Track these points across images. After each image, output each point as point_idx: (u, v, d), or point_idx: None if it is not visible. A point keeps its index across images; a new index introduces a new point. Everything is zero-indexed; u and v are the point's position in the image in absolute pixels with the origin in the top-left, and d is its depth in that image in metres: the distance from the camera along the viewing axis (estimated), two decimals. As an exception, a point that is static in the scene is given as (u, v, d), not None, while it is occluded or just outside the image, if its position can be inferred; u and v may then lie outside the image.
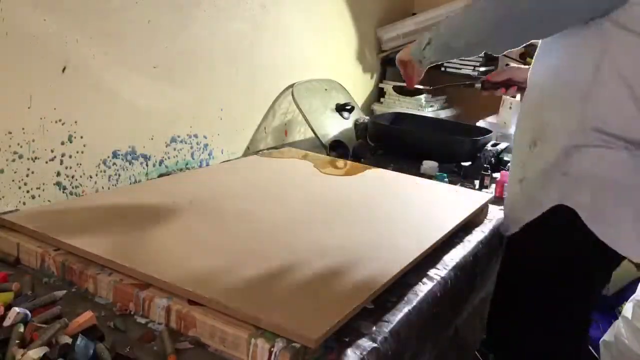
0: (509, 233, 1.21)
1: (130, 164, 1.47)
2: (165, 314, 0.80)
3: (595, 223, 1.05)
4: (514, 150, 1.24)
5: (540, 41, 1.16)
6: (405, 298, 0.95)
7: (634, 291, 1.73)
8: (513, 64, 1.58)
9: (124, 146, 1.44)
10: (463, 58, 2.45)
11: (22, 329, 0.72)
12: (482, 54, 2.39)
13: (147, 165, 1.52)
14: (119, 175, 1.44)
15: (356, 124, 1.96)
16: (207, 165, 1.71)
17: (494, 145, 1.80)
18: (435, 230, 1.12)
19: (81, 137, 1.33)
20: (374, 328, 0.85)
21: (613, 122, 1.02)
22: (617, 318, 1.74)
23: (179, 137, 1.60)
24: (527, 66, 1.44)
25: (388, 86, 2.53)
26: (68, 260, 0.90)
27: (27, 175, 1.23)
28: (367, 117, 2.02)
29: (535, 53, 1.19)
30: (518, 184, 1.17)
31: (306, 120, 1.87)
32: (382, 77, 2.62)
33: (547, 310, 1.18)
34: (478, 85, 1.45)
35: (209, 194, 1.21)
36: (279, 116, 2.01)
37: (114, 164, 1.42)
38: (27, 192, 1.24)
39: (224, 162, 1.65)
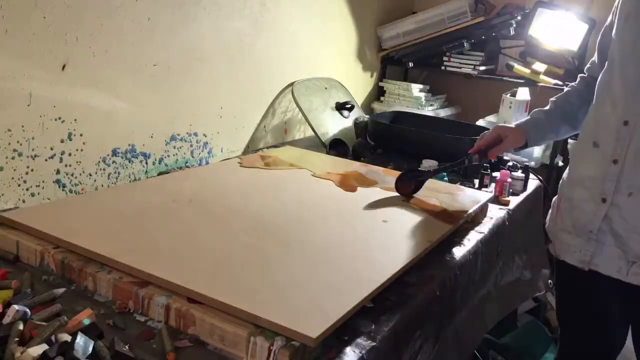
0: None
1: (129, 162, 1.47)
2: (165, 312, 0.80)
3: None
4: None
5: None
6: (405, 297, 0.95)
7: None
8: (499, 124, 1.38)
9: (123, 144, 1.44)
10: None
11: (21, 327, 0.72)
12: (482, 53, 2.41)
13: (146, 163, 1.52)
14: (119, 173, 1.44)
15: (356, 123, 1.96)
16: (207, 163, 1.71)
17: (494, 144, 1.79)
18: (435, 229, 1.13)
19: (81, 135, 1.33)
20: (374, 327, 0.85)
21: None
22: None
23: (178, 135, 1.60)
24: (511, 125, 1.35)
25: (388, 85, 2.53)
26: (67, 258, 0.90)
27: (27, 173, 1.23)
28: (367, 116, 2.02)
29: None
30: None
31: (306, 118, 1.87)
32: (382, 76, 2.62)
33: None
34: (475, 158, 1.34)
35: (209, 193, 1.21)
36: (279, 115, 2.01)
37: (114, 162, 1.42)
38: (27, 189, 1.24)
39: (223, 160, 1.65)
